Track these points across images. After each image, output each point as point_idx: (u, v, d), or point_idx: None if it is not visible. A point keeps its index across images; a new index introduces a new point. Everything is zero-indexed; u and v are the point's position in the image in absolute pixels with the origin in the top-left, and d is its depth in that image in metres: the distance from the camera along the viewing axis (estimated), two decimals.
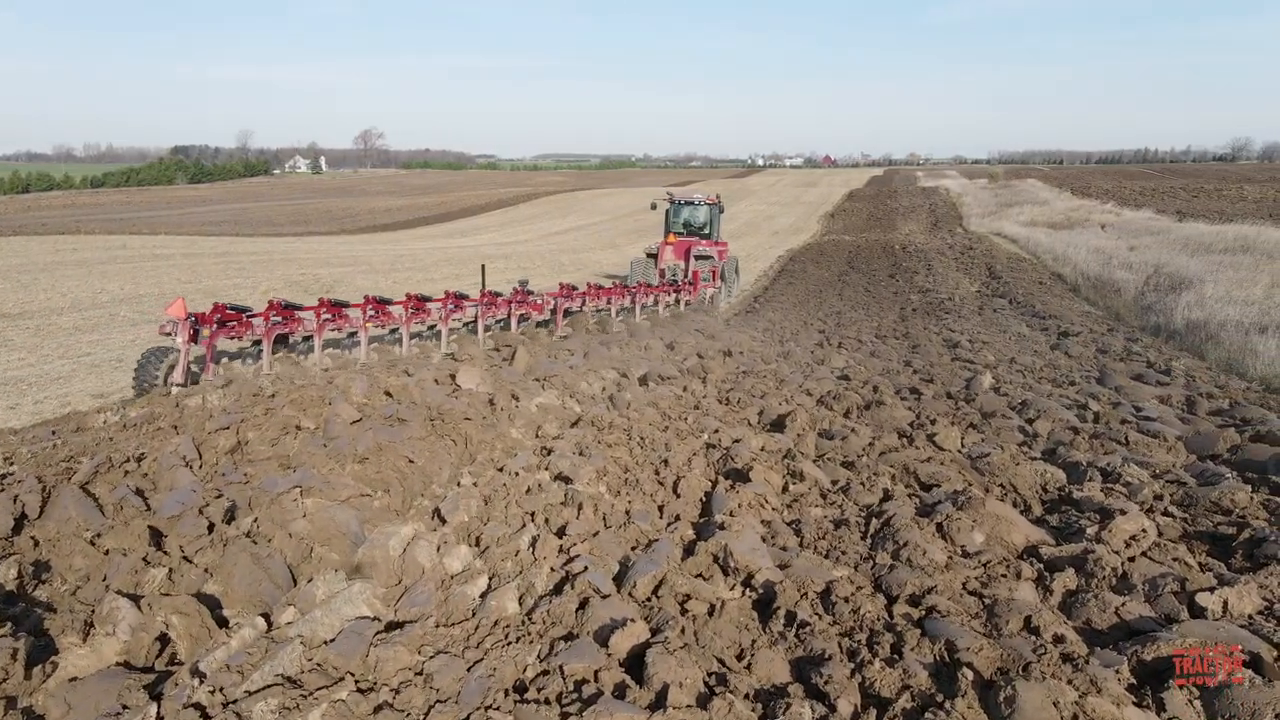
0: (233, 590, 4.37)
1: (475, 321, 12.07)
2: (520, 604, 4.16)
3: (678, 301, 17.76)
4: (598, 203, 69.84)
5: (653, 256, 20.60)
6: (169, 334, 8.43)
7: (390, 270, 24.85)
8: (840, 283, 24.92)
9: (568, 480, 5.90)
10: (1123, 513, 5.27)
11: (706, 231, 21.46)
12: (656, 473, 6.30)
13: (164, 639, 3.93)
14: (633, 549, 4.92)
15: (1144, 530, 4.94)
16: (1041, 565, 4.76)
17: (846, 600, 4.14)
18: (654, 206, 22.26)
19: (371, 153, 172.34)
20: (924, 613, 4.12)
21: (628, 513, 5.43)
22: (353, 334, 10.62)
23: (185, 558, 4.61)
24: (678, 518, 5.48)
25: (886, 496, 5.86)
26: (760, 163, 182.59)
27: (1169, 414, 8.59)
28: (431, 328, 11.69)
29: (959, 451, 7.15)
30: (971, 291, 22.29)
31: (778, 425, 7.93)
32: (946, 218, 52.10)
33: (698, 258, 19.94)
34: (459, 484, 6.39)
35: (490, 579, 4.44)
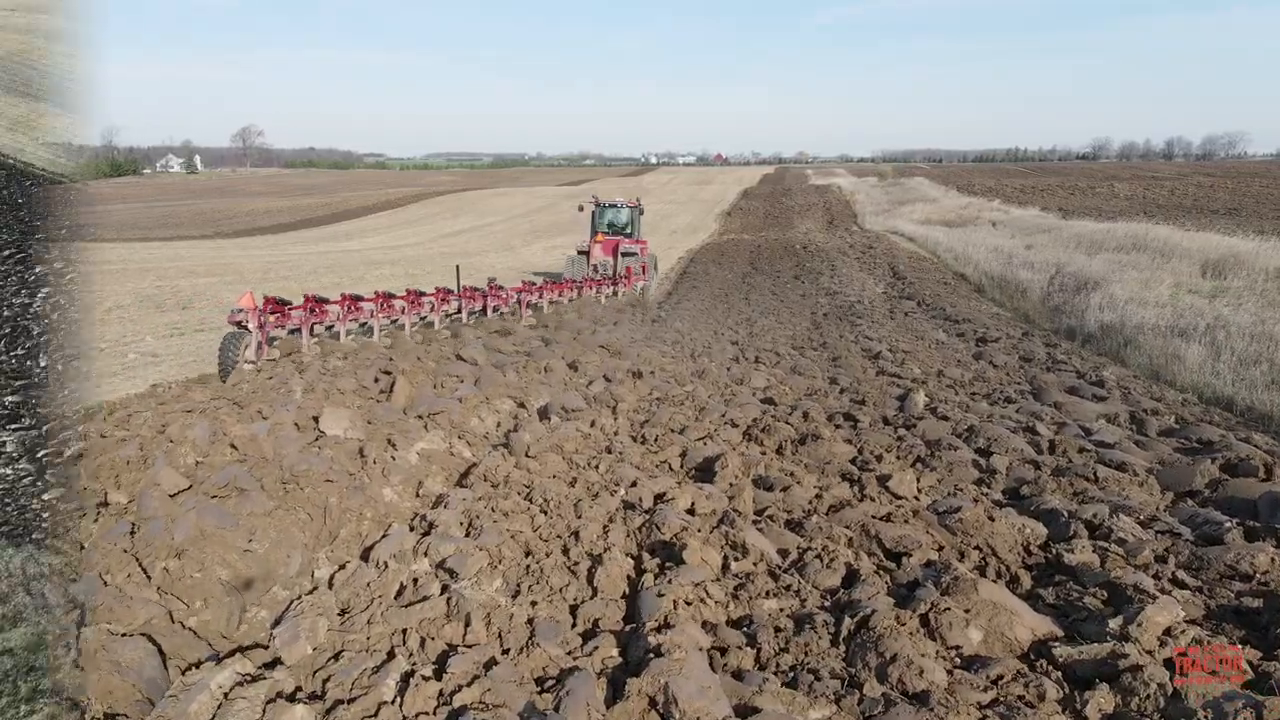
0: None
1: (459, 313, 14.05)
2: None
3: (615, 293, 19.59)
4: (491, 203, 67.79)
5: (584, 254, 22.26)
6: (239, 322, 9.78)
7: (262, 280, 22.63)
8: (745, 285, 24.12)
9: (452, 574, 4.59)
10: (1139, 589, 4.36)
11: (629, 231, 23.20)
12: (566, 552, 5.03)
13: None
14: (539, 687, 3.66)
15: (1178, 622, 3.98)
16: (1061, 674, 3.76)
17: None
18: (581, 209, 24.13)
19: (252, 151, 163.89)
20: None
21: (531, 623, 4.15)
22: (364, 324, 12.08)
23: None
24: (596, 627, 4.23)
25: (851, 574, 4.77)
26: (654, 161, 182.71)
27: (1123, 437, 7.90)
28: (423, 318, 13.39)
29: (917, 499, 6.19)
30: (878, 293, 21.79)
31: (705, 472, 6.78)
32: (842, 215, 52.47)
33: (624, 254, 21.67)
34: (313, 575, 5.01)
35: None
